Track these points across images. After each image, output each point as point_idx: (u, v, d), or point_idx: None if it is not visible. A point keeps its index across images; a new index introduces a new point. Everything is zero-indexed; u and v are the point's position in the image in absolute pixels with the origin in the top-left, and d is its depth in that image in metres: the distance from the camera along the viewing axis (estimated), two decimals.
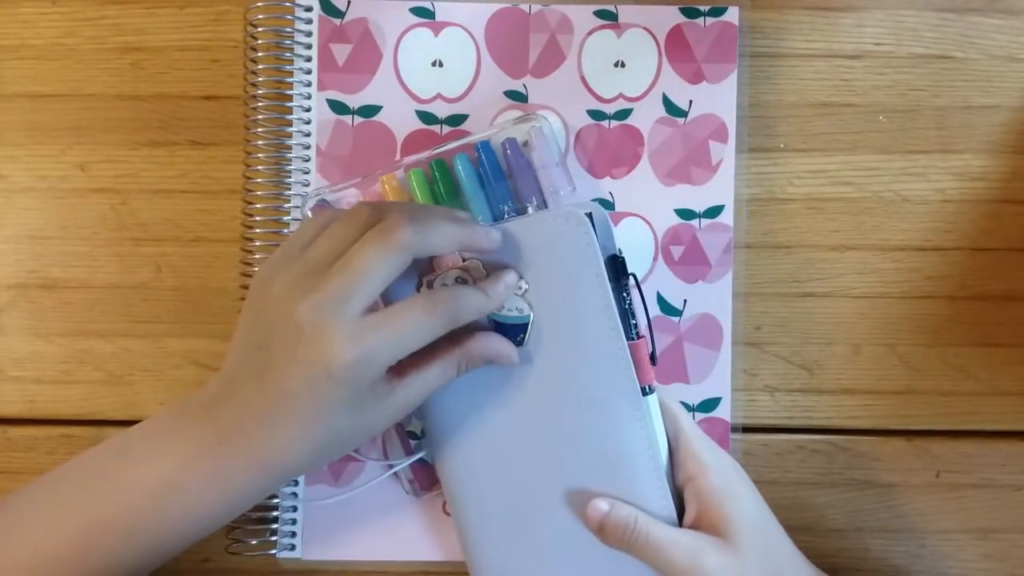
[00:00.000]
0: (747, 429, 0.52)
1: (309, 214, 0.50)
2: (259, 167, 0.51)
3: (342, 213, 0.42)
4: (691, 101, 0.52)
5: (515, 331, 0.45)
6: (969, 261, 0.52)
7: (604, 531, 0.44)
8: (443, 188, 0.50)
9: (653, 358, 0.46)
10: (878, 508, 0.52)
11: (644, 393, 0.45)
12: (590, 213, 0.45)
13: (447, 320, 0.41)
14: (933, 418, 0.52)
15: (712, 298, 0.51)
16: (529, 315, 0.45)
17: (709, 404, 0.51)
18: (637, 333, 0.46)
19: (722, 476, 0.45)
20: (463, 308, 0.42)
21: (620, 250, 0.46)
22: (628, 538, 0.43)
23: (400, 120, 0.52)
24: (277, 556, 0.51)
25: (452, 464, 0.47)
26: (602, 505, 0.44)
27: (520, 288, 0.45)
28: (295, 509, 0.50)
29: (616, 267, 0.46)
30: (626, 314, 0.46)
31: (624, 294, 0.46)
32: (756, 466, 0.51)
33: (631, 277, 0.46)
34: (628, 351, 0.45)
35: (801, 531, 0.52)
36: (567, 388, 0.45)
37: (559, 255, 0.45)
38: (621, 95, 0.52)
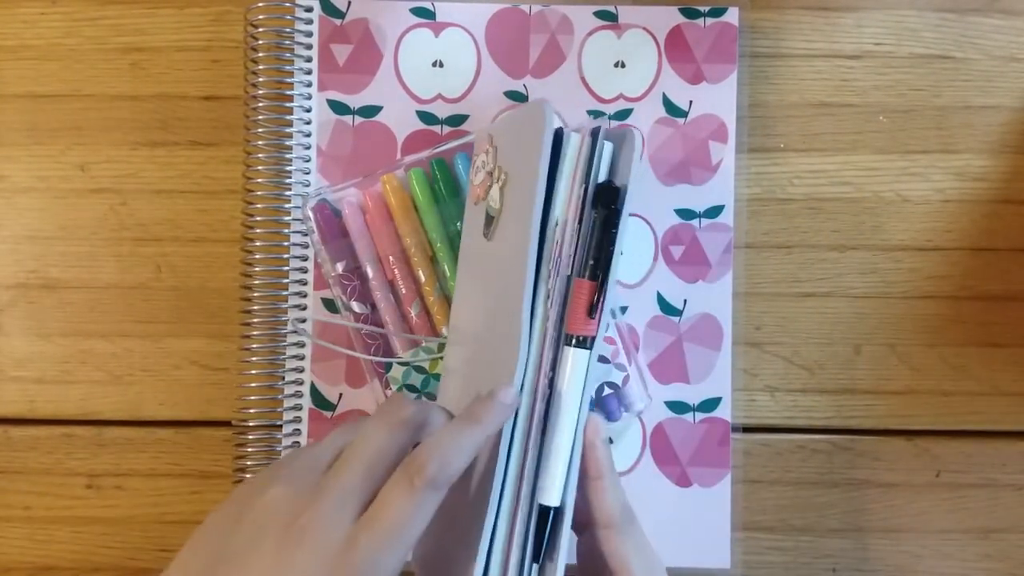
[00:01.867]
0: (747, 429, 0.52)
1: (310, 214, 0.49)
2: (259, 167, 0.51)
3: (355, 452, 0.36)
4: (691, 101, 0.52)
5: (487, 223, 0.42)
6: (969, 261, 0.52)
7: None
8: (443, 187, 0.50)
9: (592, 311, 0.39)
10: (878, 508, 0.52)
11: (568, 343, 0.39)
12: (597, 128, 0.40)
13: (433, 486, 0.34)
14: (933, 418, 0.52)
15: (712, 298, 0.51)
16: (497, 208, 0.41)
17: (709, 404, 0.51)
18: (596, 275, 0.39)
19: None
20: (453, 458, 0.35)
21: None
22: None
23: (400, 120, 0.52)
24: None
25: None
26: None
27: (500, 179, 0.41)
28: None
29: (606, 194, 0.39)
30: (600, 249, 0.39)
31: (612, 229, 0.39)
32: (756, 466, 0.51)
33: (618, 213, 0.39)
34: (533, 257, 0.38)
35: (801, 531, 0.52)
36: (493, 290, 0.41)
37: (520, 144, 0.40)
38: (621, 95, 0.52)
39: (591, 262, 0.39)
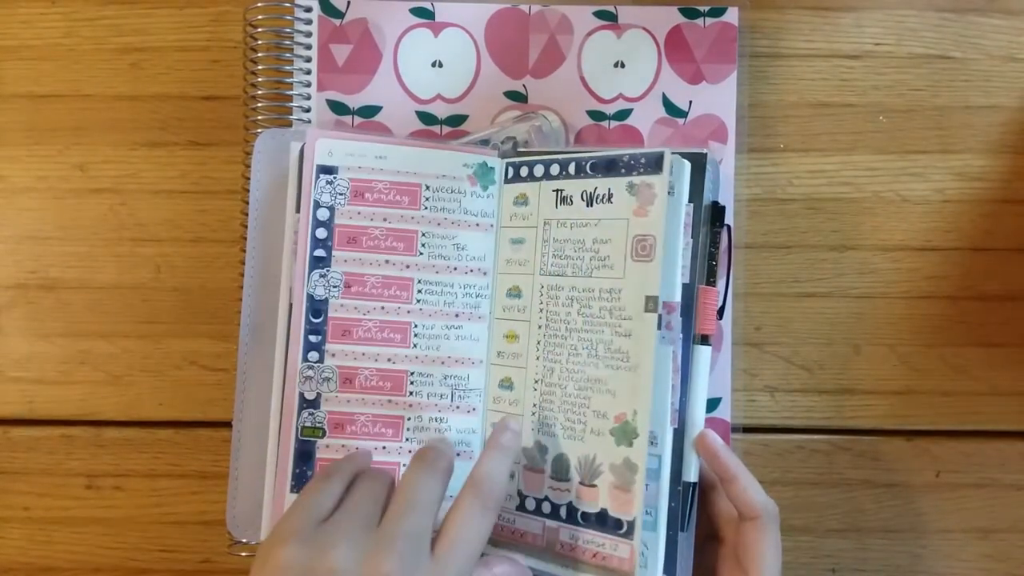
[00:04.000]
0: (747, 429, 0.52)
1: None
2: None
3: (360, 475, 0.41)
4: (691, 101, 0.52)
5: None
6: (969, 261, 0.52)
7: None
8: None
9: (721, 312, 0.46)
10: (878, 508, 0.52)
11: (696, 342, 0.45)
12: (704, 154, 0.45)
13: (498, 503, 0.40)
14: (933, 418, 0.52)
15: None
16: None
17: (709, 404, 0.51)
18: (713, 281, 0.45)
19: None
20: (501, 477, 0.41)
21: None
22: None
23: (400, 121, 0.52)
24: None
25: None
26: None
27: None
28: None
29: (714, 213, 0.45)
30: (710, 258, 0.45)
31: (715, 241, 0.45)
32: (757, 466, 0.51)
33: (726, 228, 0.46)
34: None
35: (801, 531, 0.52)
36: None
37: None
38: (621, 95, 0.52)
39: (708, 272, 0.45)
